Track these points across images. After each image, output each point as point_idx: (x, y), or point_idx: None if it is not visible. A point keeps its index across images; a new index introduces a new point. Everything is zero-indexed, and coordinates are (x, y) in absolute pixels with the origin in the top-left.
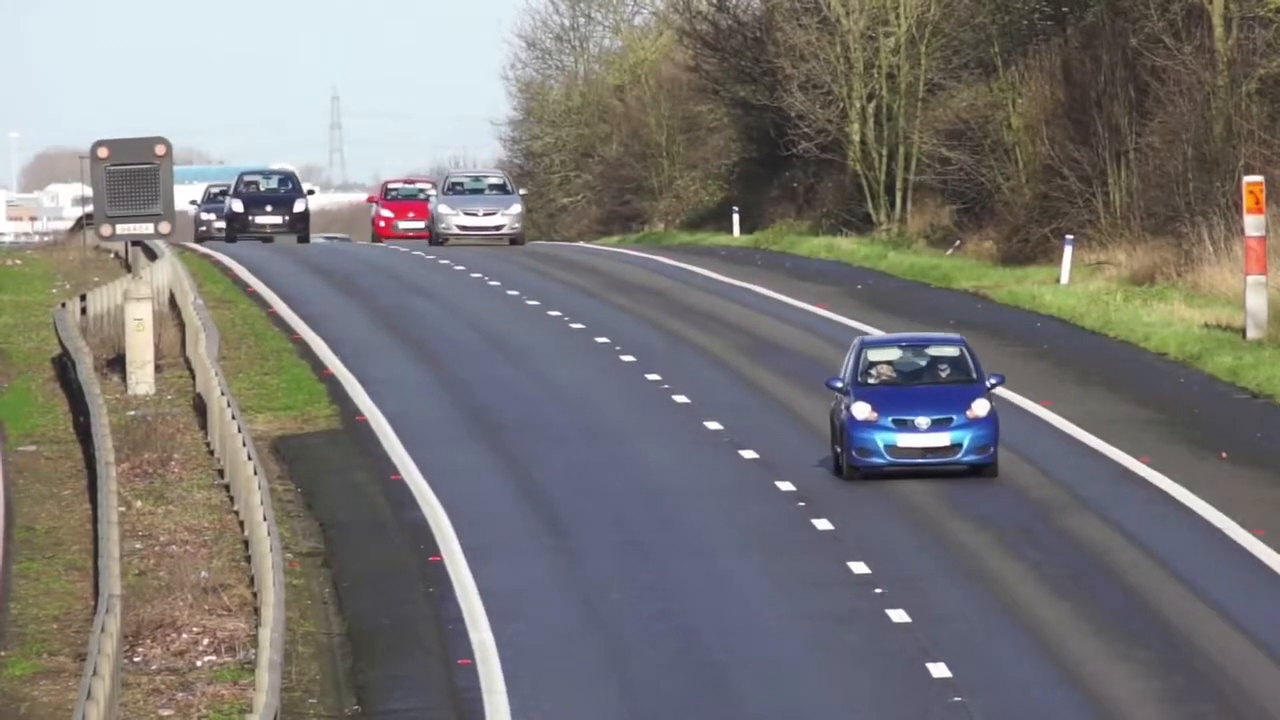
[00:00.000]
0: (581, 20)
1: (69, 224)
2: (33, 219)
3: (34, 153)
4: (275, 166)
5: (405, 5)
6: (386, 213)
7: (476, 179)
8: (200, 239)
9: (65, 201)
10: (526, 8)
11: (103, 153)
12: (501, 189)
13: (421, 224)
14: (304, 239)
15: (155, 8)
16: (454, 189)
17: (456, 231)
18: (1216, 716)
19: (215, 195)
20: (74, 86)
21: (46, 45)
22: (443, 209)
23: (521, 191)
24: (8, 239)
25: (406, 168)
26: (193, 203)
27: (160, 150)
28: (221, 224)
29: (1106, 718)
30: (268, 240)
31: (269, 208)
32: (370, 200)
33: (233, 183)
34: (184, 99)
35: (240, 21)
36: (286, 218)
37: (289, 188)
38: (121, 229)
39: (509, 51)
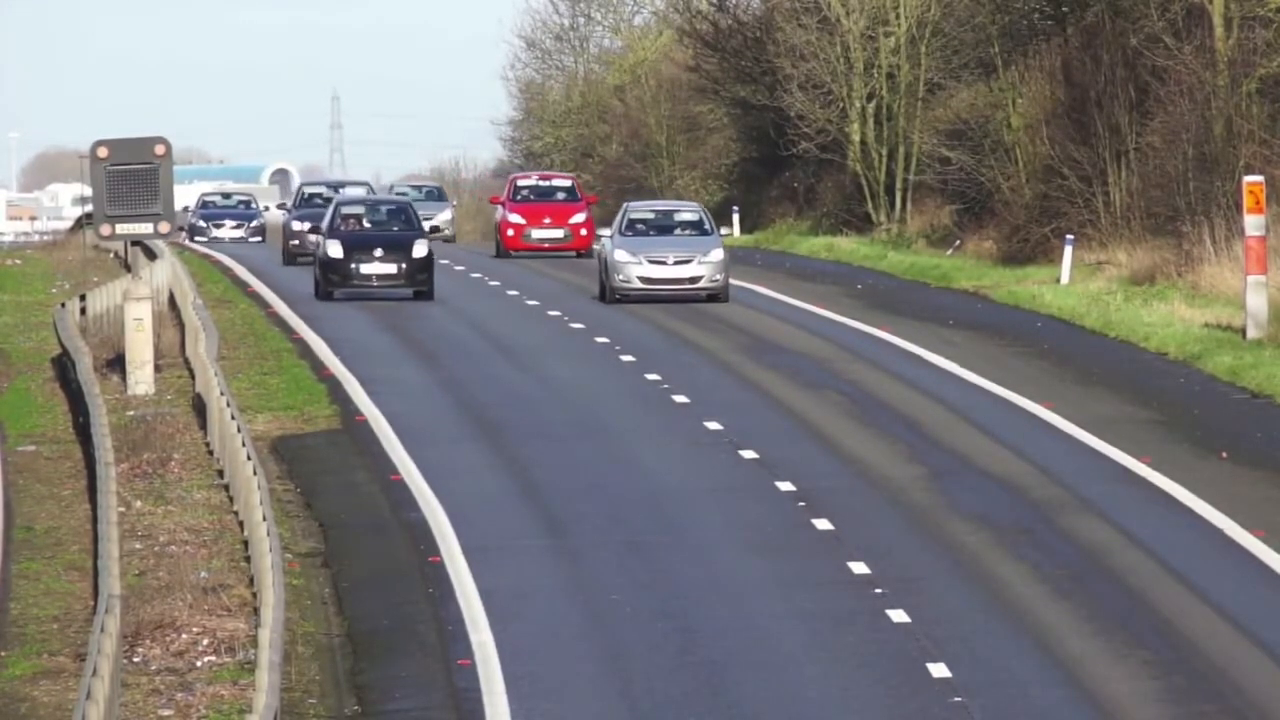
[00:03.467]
0: (581, 20)
1: (69, 224)
2: (33, 219)
3: (34, 153)
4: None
5: (405, 5)
6: (516, 218)
7: (666, 213)
8: (292, 257)
9: (65, 201)
10: (526, 8)
11: (102, 152)
12: (698, 227)
13: (560, 233)
14: (424, 293)
15: (155, 8)
16: (634, 228)
17: (639, 287)
18: (1216, 716)
19: (310, 198)
20: (74, 86)
21: (46, 45)
22: (620, 255)
23: (723, 232)
24: (8, 239)
25: (406, 168)
26: (281, 207)
27: (160, 150)
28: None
29: (1106, 718)
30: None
31: (379, 251)
32: (495, 201)
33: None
34: (184, 99)
35: (240, 21)
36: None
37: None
38: (121, 229)
39: (509, 51)
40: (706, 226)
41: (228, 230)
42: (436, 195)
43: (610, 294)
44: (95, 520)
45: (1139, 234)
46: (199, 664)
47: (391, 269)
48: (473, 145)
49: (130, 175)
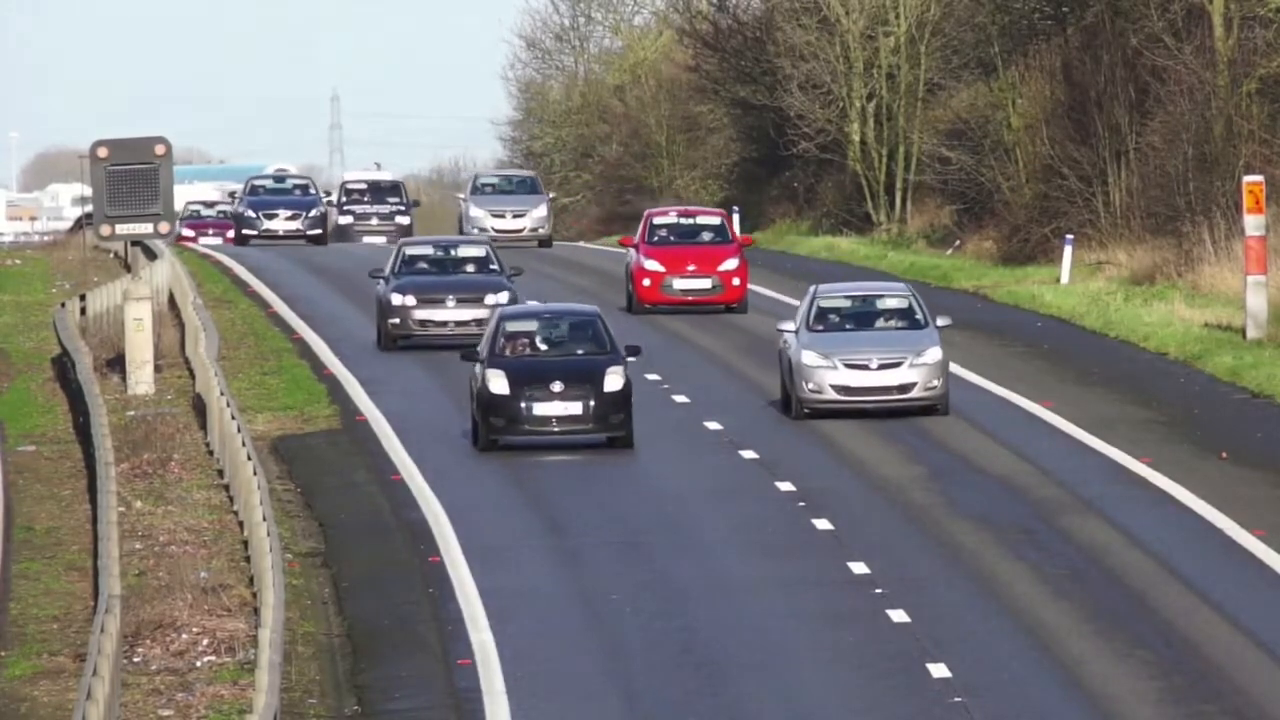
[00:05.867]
0: (581, 20)
1: (69, 224)
2: (33, 219)
3: (34, 153)
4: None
5: (405, 5)
6: (653, 264)
7: (866, 299)
8: (392, 340)
9: (65, 201)
10: (526, 8)
11: (102, 153)
12: (908, 317)
13: (707, 283)
14: (620, 439)
15: (155, 8)
16: (825, 319)
17: (834, 398)
18: (1216, 716)
19: (412, 260)
20: (74, 86)
21: (46, 45)
22: (808, 358)
23: (940, 322)
24: (8, 239)
25: (406, 168)
26: (376, 275)
27: (160, 150)
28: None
29: (1106, 718)
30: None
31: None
32: (626, 244)
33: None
34: (184, 99)
35: (240, 21)
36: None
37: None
38: (121, 229)
39: (509, 51)
40: (919, 316)
41: (281, 222)
42: (529, 186)
43: (798, 407)
44: (95, 520)
45: (1139, 234)
46: (199, 664)
47: (576, 408)
48: (473, 145)
49: (130, 175)
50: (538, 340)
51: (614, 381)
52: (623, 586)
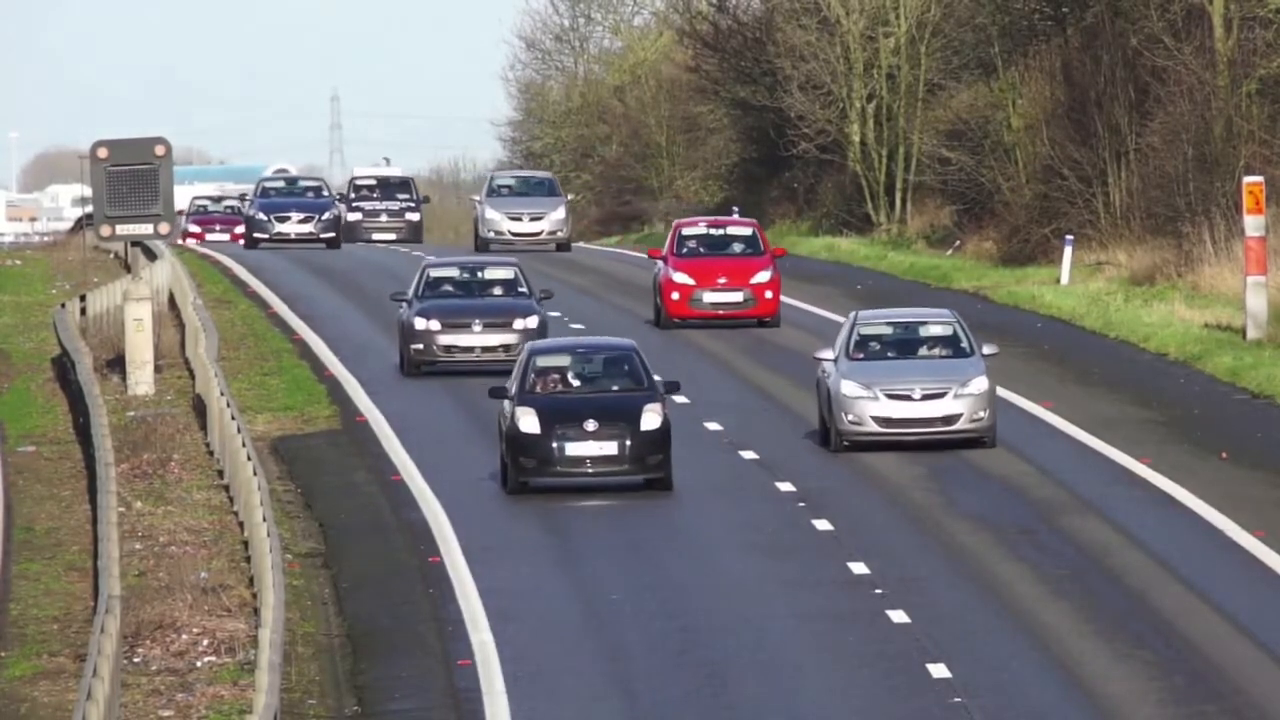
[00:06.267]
0: (581, 21)
1: (69, 224)
2: (33, 219)
3: (34, 153)
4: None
5: (405, 5)
6: (682, 277)
7: (909, 326)
8: (415, 365)
9: (65, 201)
10: (526, 8)
11: (102, 153)
12: (953, 344)
13: (739, 296)
14: (659, 481)
15: (155, 8)
16: (865, 347)
17: (875, 430)
18: (1216, 717)
19: (437, 283)
20: (74, 86)
21: (46, 45)
22: (848, 388)
23: (986, 350)
24: (8, 239)
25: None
26: (398, 298)
27: (160, 150)
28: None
29: (1106, 718)
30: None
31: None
32: (654, 256)
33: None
34: (184, 99)
35: (240, 21)
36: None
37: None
38: (121, 229)
39: (509, 52)
40: (964, 344)
41: (294, 225)
42: (547, 188)
43: (837, 440)
44: (95, 521)
45: (1139, 234)
46: (199, 664)
47: (611, 448)
48: (473, 145)
49: (130, 176)
50: (570, 376)
51: (652, 420)
52: (623, 586)
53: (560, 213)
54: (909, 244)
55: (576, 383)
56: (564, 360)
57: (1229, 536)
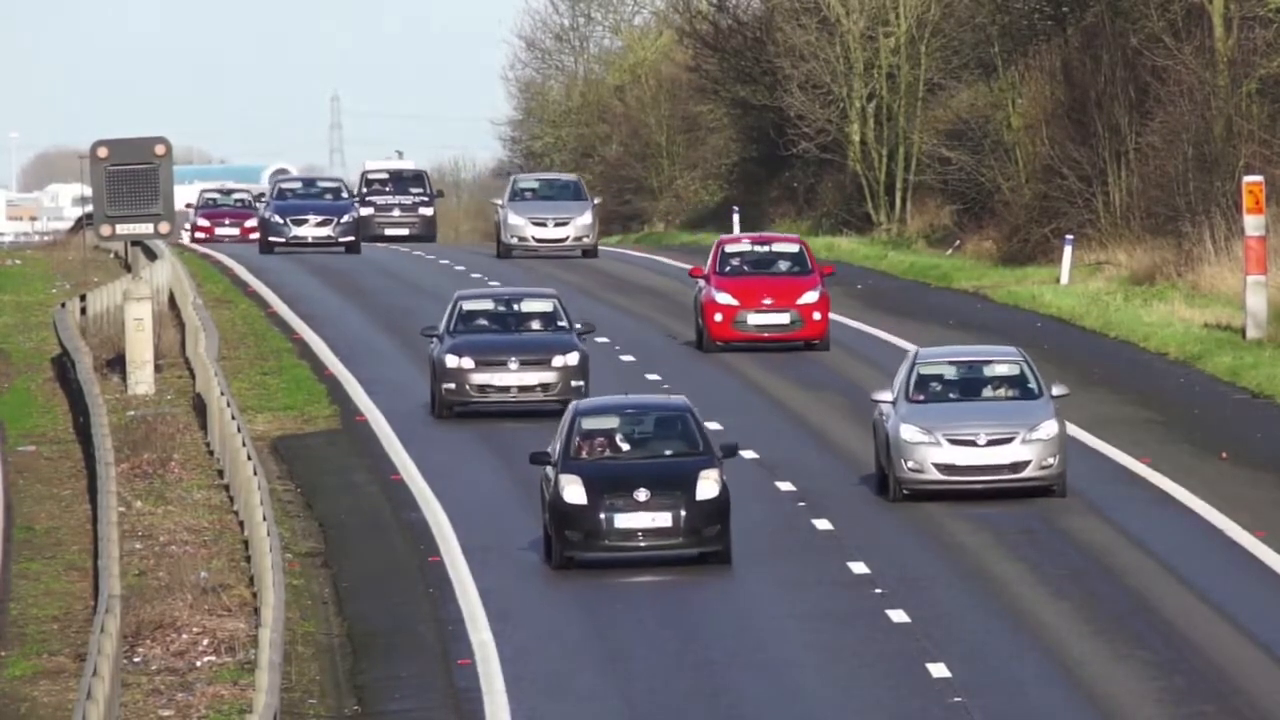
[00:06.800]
0: (581, 20)
1: (69, 224)
2: (33, 219)
3: (34, 153)
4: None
5: (405, 5)
6: (725, 297)
7: (973, 365)
8: (448, 405)
9: (65, 201)
10: (526, 8)
11: (102, 153)
12: (1020, 385)
13: (785, 317)
14: (717, 554)
15: (155, 7)
16: (926, 388)
17: (937, 479)
18: (1216, 717)
19: (470, 315)
20: (74, 86)
21: (46, 45)
22: (908, 433)
23: (1056, 391)
24: (8, 239)
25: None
26: (429, 333)
27: (160, 150)
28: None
29: (1106, 718)
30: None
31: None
32: (696, 275)
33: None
34: (184, 99)
35: (240, 21)
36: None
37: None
38: (121, 229)
39: (509, 51)
40: (1031, 384)
41: (311, 229)
42: (573, 191)
43: (896, 488)
44: (95, 520)
45: (1139, 234)
46: (199, 664)
47: (665, 519)
48: (473, 145)
49: (130, 175)
50: (619, 439)
51: (708, 488)
52: (623, 586)
53: (587, 217)
54: (909, 243)
55: (626, 447)
56: (612, 422)
57: (1229, 536)
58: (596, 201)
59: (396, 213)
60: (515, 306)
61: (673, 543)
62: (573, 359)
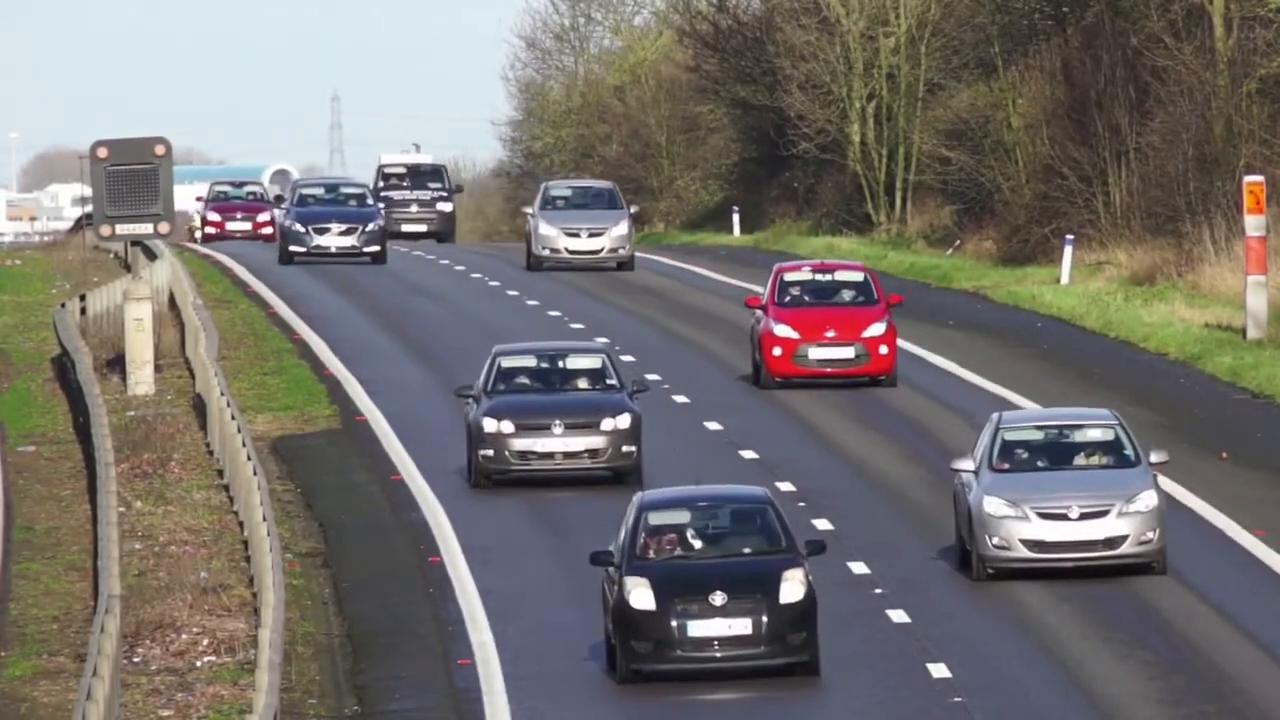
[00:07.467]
0: (581, 20)
1: (69, 224)
2: (33, 219)
3: (34, 153)
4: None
5: (405, 5)
6: (785, 330)
7: (1062, 430)
8: (485, 474)
9: (65, 201)
10: (526, 8)
11: (102, 153)
12: (1115, 452)
13: (850, 351)
14: (804, 665)
15: (155, 7)
16: (1011, 454)
17: (1024, 555)
18: (1216, 717)
19: (509, 373)
20: (74, 86)
21: (46, 45)
22: (993, 506)
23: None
24: (8, 239)
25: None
26: (465, 393)
27: (160, 150)
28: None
29: (1106, 718)
30: None
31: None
32: (753, 305)
33: None
34: (184, 99)
35: (240, 21)
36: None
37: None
38: (121, 229)
39: (509, 51)
40: (1128, 450)
41: (334, 238)
42: (607, 199)
43: (980, 566)
44: (95, 520)
45: (1139, 234)
46: (199, 664)
47: (744, 626)
48: (473, 145)
49: (130, 175)
50: (690, 535)
51: (793, 590)
52: None
53: (623, 228)
54: (909, 243)
55: (698, 544)
56: (682, 516)
57: (1229, 536)
58: (633, 210)
59: (414, 209)
60: (560, 363)
61: (753, 652)
62: (624, 421)
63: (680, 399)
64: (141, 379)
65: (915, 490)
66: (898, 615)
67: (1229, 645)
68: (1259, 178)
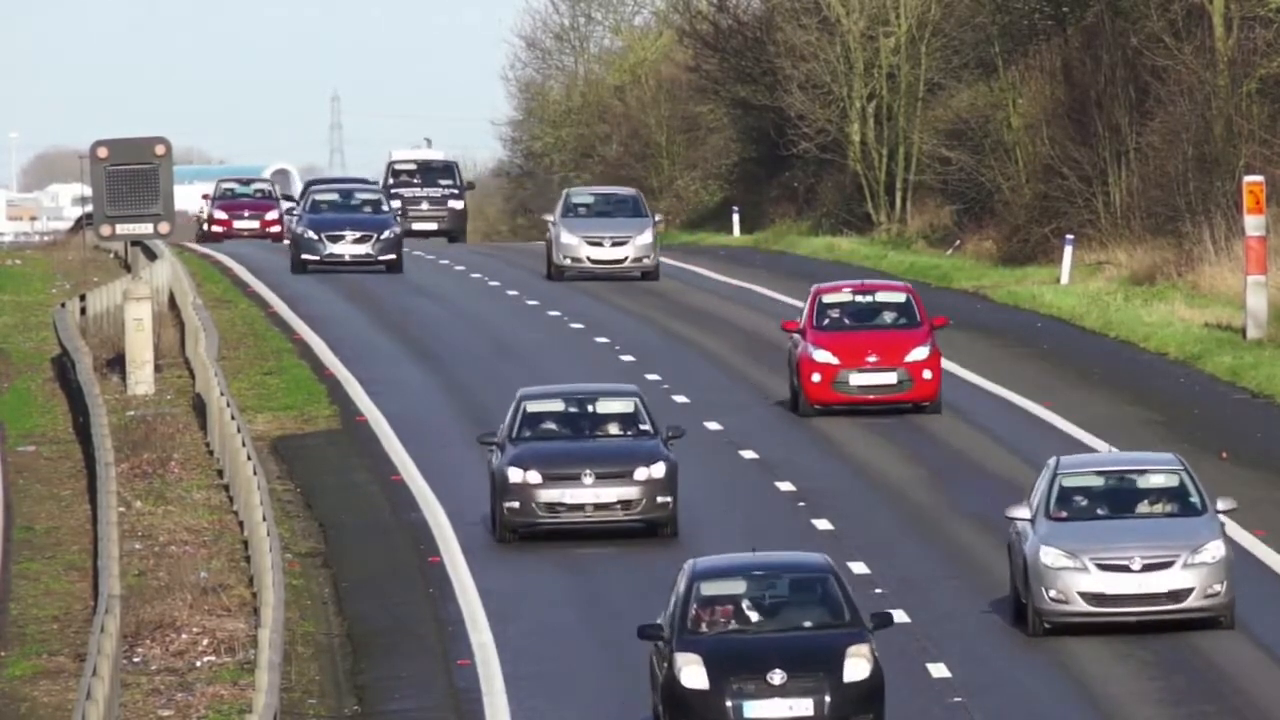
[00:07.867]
0: (581, 20)
1: (69, 224)
2: (33, 219)
3: (34, 153)
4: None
5: (405, 5)
6: (824, 355)
7: (1124, 475)
8: (512, 528)
9: (65, 201)
10: (526, 8)
11: (102, 153)
12: (1179, 499)
13: (892, 377)
14: None
15: (155, 7)
16: (1069, 502)
17: (1084, 609)
18: (1216, 717)
19: (535, 419)
20: (74, 86)
21: (46, 45)
22: (1050, 556)
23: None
24: (8, 239)
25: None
26: (488, 441)
27: (160, 150)
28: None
29: (1106, 718)
30: None
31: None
32: (789, 329)
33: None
34: (184, 99)
35: (240, 21)
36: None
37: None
38: (121, 229)
39: (509, 51)
40: (1193, 498)
41: (348, 245)
42: (631, 207)
43: (1036, 621)
44: (95, 520)
45: (1139, 234)
46: (199, 664)
47: (805, 707)
48: (473, 145)
49: (130, 175)
50: (746, 607)
51: (858, 667)
52: (623, 587)
53: (647, 236)
54: (909, 243)
55: (755, 617)
56: (737, 586)
57: (1229, 536)
58: (658, 219)
59: (424, 206)
60: (589, 407)
61: None
62: (658, 470)
63: (680, 399)
64: (141, 379)
65: (915, 490)
66: (897, 615)
67: (1229, 645)
68: (1259, 178)
